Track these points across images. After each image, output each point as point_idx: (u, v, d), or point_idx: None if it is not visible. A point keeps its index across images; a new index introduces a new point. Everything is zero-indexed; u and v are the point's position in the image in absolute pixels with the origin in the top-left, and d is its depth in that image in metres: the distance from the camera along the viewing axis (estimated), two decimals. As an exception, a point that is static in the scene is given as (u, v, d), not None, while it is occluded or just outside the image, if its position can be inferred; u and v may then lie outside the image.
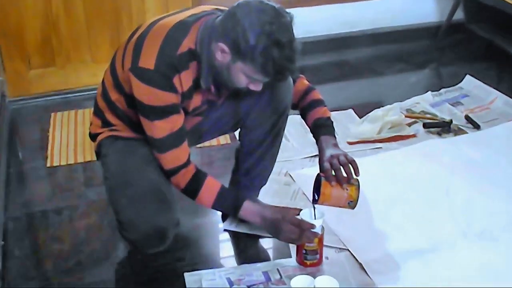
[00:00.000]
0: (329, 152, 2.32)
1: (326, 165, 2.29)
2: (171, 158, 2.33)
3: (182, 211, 2.54)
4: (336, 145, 2.35)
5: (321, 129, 2.43)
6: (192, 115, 2.43)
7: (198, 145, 2.89)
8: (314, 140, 2.46)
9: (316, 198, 2.30)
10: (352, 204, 2.29)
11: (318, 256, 2.44)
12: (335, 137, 2.41)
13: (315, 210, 2.34)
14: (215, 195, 2.36)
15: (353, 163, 2.27)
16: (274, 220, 2.34)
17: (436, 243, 2.56)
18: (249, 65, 2.15)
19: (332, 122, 2.44)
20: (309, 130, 2.50)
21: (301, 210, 2.39)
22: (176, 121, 2.28)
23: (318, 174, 2.32)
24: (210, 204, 2.39)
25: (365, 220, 2.68)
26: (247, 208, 2.37)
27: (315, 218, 2.37)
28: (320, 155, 2.35)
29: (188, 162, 2.35)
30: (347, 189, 2.27)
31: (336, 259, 2.49)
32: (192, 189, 2.38)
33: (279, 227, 2.33)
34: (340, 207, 2.31)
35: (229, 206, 2.39)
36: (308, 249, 2.41)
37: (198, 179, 2.37)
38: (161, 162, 2.34)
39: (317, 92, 2.51)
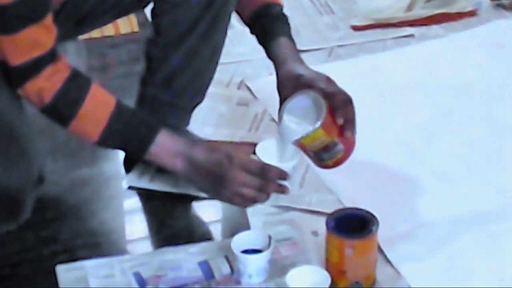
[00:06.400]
0: (315, 78, 1.83)
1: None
2: (25, 42, 1.73)
3: (50, 157, 2.14)
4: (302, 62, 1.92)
5: (274, 24, 1.94)
6: None
7: (81, 36, 2.43)
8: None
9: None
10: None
11: (341, 147, 1.88)
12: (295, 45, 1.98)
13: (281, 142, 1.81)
14: (108, 116, 1.77)
15: (350, 106, 1.82)
16: (212, 164, 1.79)
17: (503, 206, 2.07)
18: None
19: (287, 17, 1.98)
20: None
21: (255, 144, 1.81)
22: None
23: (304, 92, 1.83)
24: (97, 132, 1.81)
25: (384, 168, 2.22)
26: (163, 144, 1.81)
27: (278, 160, 1.78)
28: (291, 79, 1.86)
29: (54, 53, 1.76)
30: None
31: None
32: (65, 105, 1.79)
33: (222, 176, 1.77)
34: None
35: (131, 138, 1.82)
36: (317, 149, 1.84)
37: (75, 85, 1.79)
38: (7, 54, 1.72)
39: None
